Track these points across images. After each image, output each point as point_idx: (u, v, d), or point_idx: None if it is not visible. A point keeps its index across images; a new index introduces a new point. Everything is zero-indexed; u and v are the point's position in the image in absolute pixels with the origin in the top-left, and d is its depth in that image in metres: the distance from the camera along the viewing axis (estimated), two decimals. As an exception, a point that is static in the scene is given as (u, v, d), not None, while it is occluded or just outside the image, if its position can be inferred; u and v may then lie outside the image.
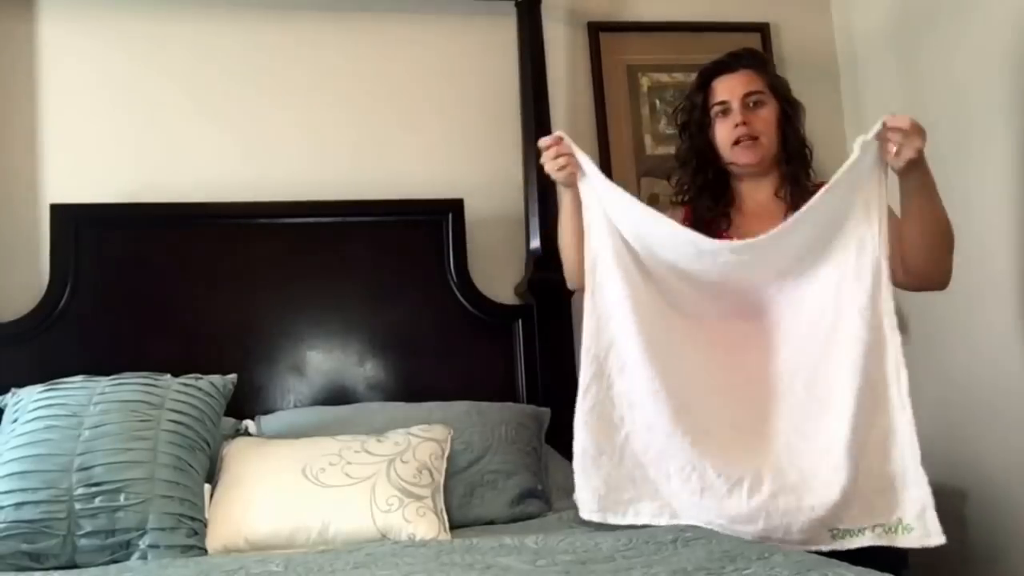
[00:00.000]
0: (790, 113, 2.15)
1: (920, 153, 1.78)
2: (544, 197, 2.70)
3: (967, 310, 2.66)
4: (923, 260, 1.93)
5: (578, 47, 3.14)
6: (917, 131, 1.76)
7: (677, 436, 1.90)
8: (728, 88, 2.14)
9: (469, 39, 3.04)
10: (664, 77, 3.13)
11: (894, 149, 1.77)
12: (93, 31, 2.78)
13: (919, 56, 2.87)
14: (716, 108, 2.15)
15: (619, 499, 1.96)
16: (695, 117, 2.19)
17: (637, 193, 2.82)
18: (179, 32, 2.84)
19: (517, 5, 2.90)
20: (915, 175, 1.82)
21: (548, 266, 2.61)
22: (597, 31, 3.14)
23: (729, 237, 2.07)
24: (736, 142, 2.11)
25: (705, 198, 2.18)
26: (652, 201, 2.88)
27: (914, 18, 2.90)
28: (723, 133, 2.14)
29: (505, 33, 2.95)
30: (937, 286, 2.02)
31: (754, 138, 2.10)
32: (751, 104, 2.12)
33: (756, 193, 2.17)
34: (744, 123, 2.10)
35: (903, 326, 2.78)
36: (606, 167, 2.90)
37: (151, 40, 2.82)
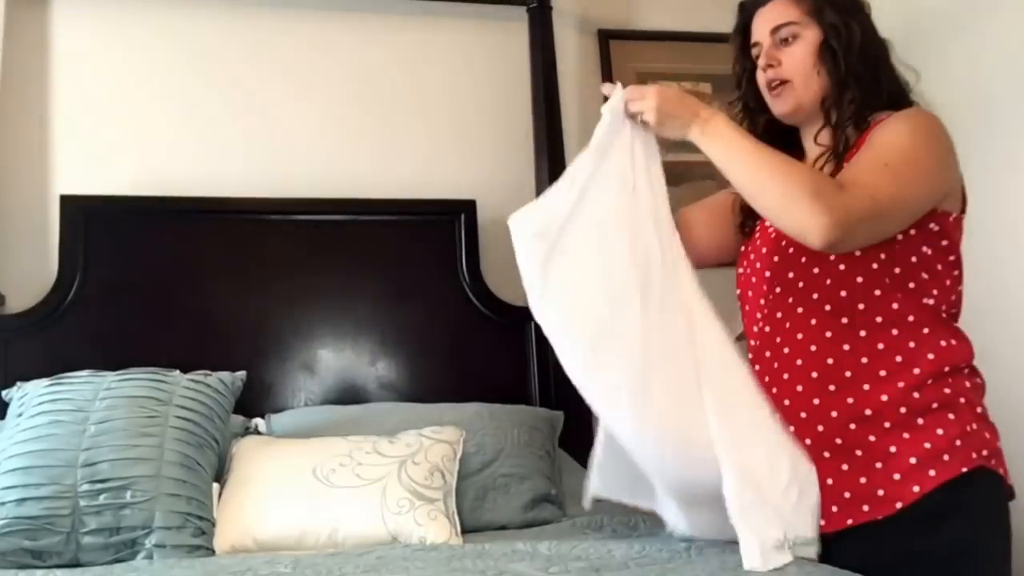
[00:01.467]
0: (837, 41, 1.65)
1: (659, 112, 1.55)
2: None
3: (991, 314, 2.61)
4: (773, 221, 1.60)
5: (589, 53, 3.17)
6: (637, 94, 1.57)
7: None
8: (759, 25, 1.75)
9: (482, 43, 3.06)
10: (674, 86, 3.09)
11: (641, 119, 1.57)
12: (106, 23, 2.77)
13: (939, 58, 2.81)
14: (755, 50, 1.76)
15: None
16: (738, 67, 1.83)
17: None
18: (193, 26, 2.83)
19: (529, 11, 2.91)
20: (698, 141, 1.57)
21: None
22: (607, 38, 3.17)
23: None
24: (770, 88, 1.73)
25: None
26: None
27: (933, 20, 2.87)
28: (760, 80, 1.75)
29: (517, 37, 2.96)
30: (810, 242, 1.49)
31: (785, 81, 1.70)
32: (780, 41, 1.71)
33: (811, 145, 1.75)
34: (770, 65, 1.71)
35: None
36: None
37: (164, 33, 2.81)
